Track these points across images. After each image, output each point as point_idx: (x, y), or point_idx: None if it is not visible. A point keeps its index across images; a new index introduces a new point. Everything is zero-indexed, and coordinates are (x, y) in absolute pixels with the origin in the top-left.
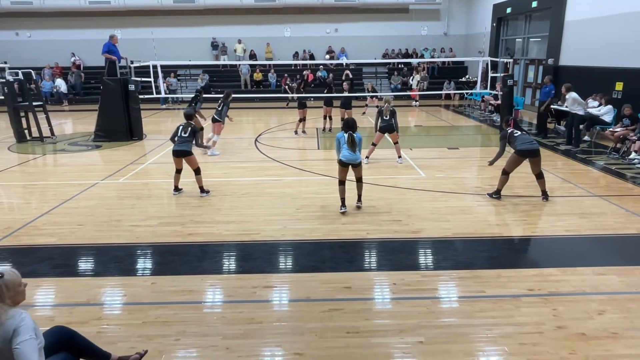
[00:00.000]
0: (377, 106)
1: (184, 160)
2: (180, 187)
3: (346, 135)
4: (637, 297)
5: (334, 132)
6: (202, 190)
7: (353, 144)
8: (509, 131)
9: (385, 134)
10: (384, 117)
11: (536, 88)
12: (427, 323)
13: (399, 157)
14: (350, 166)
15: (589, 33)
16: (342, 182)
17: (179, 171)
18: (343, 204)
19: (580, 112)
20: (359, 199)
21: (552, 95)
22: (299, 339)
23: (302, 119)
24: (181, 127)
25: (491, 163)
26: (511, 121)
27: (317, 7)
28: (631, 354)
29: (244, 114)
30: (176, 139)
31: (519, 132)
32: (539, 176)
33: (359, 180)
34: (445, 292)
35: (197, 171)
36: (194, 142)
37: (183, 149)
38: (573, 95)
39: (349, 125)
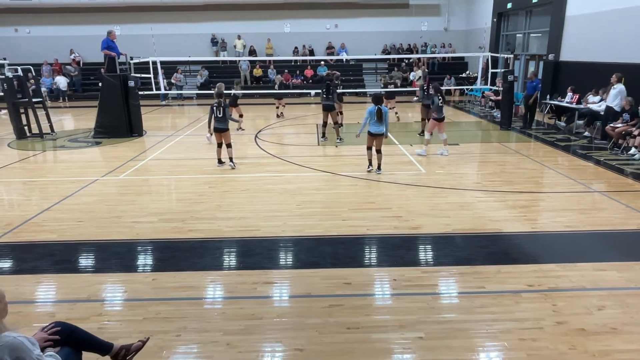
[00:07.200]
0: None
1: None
2: (223, 160)
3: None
4: (637, 292)
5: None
6: (231, 160)
7: (380, 117)
8: (432, 94)
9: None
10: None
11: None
12: (427, 319)
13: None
14: (375, 136)
15: (589, 28)
16: (369, 148)
17: (220, 145)
18: (370, 164)
19: (617, 108)
20: (379, 167)
21: (539, 89)
22: (300, 334)
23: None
24: (214, 108)
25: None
26: (433, 89)
27: (317, 3)
28: (631, 349)
29: (244, 110)
30: (213, 118)
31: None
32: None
33: (378, 151)
34: (445, 288)
35: (229, 145)
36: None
37: (221, 126)
38: (621, 87)
39: (378, 100)
